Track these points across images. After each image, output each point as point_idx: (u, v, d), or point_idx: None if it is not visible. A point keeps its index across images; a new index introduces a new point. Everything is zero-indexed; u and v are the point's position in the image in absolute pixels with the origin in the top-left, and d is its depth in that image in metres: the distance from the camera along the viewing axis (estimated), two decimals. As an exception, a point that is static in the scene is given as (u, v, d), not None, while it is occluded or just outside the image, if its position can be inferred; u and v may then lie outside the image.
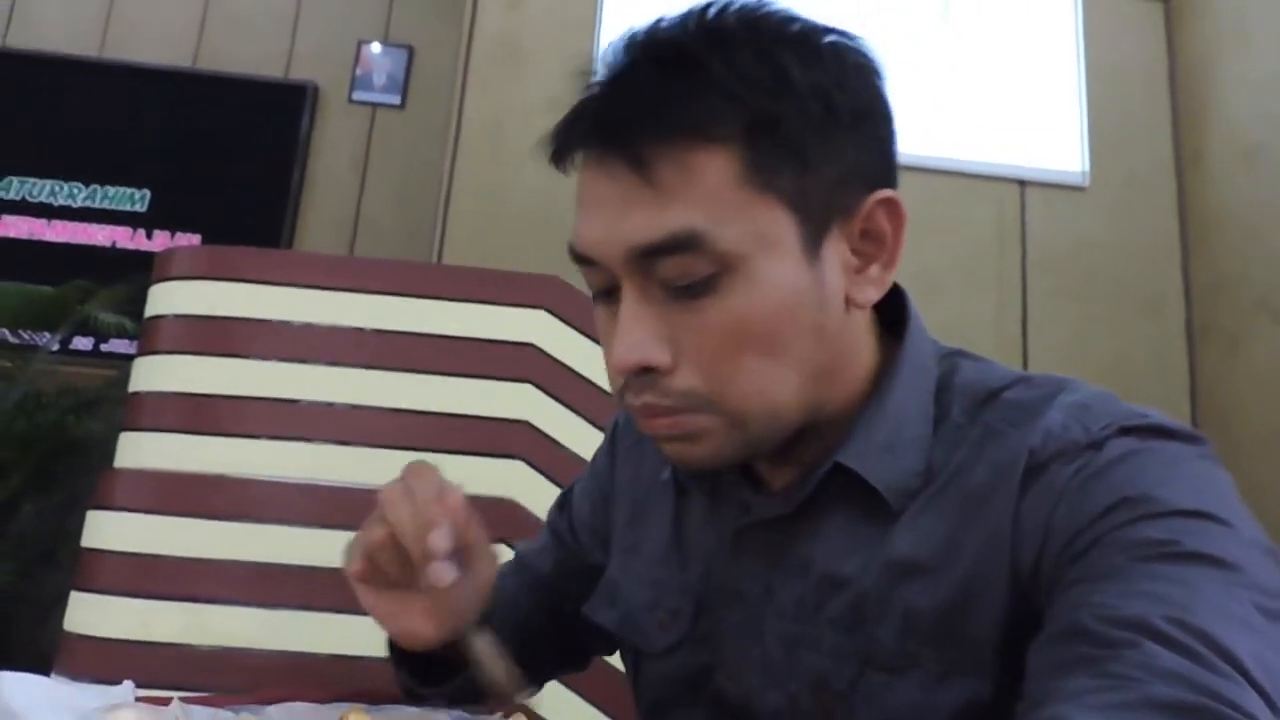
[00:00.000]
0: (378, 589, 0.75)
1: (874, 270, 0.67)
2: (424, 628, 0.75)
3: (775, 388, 0.64)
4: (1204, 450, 0.61)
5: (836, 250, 0.65)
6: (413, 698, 0.84)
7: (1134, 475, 0.58)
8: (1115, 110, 3.83)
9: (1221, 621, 0.48)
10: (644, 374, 0.63)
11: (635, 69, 0.63)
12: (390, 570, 0.74)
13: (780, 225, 0.62)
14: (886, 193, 0.66)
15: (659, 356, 0.63)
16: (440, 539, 0.69)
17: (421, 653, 0.79)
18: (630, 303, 0.63)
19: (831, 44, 0.65)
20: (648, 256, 0.61)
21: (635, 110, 0.61)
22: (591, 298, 0.69)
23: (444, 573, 0.69)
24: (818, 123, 0.62)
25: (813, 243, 0.63)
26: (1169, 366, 3.63)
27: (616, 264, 0.63)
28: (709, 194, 0.60)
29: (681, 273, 0.61)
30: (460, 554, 0.74)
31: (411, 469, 0.75)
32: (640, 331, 0.63)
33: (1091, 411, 0.63)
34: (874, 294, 0.67)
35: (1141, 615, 0.48)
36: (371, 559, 0.73)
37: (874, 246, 0.67)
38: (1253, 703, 0.43)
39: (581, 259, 0.66)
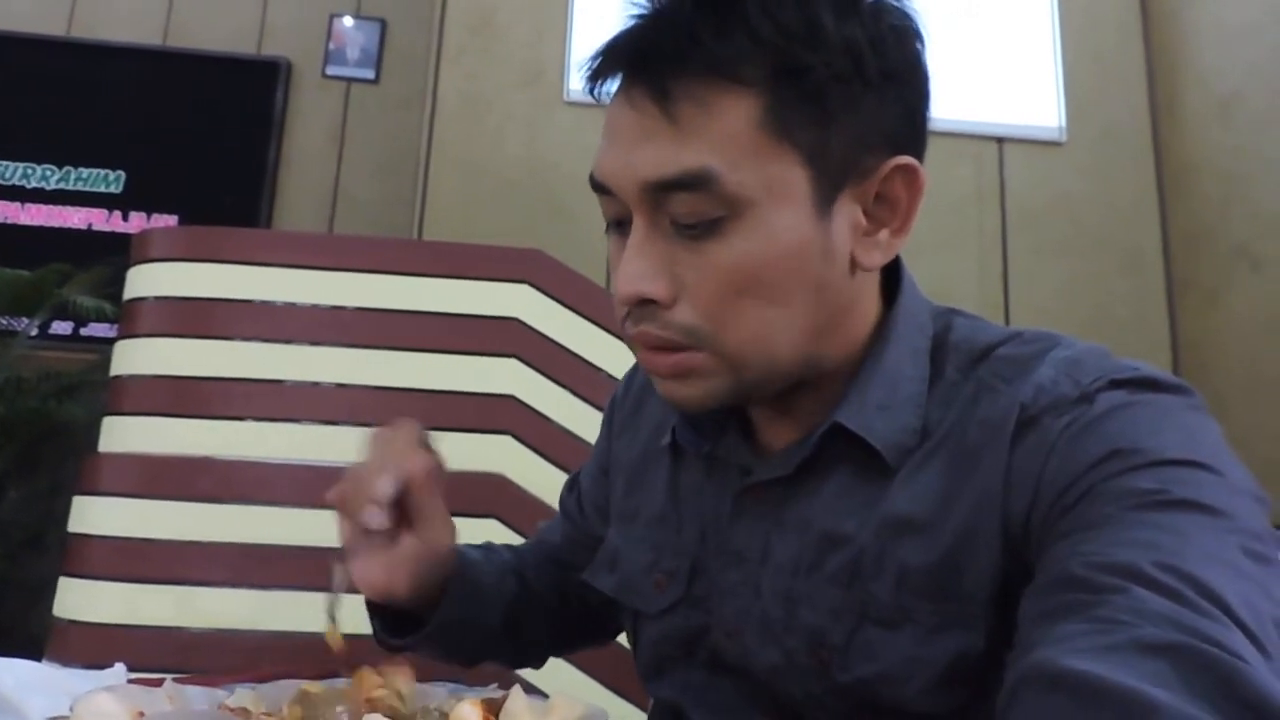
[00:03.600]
0: (351, 520, 0.78)
1: (883, 235, 0.67)
2: (378, 577, 0.78)
3: (771, 335, 0.64)
4: (1193, 401, 0.62)
5: (848, 210, 0.65)
6: (385, 647, 0.86)
7: (1125, 427, 0.58)
8: (1090, 64, 3.83)
9: (1210, 566, 0.48)
10: (644, 305, 0.65)
11: (675, 2, 0.63)
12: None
13: (793, 177, 0.62)
14: (906, 159, 0.66)
15: (658, 289, 0.64)
16: (385, 485, 0.74)
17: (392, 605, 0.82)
18: (638, 235, 0.64)
19: (873, 2, 0.65)
20: (660, 191, 0.62)
21: (665, 43, 0.62)
22: (605, 229, 0.70)
23: (372, 516, 0.73)
24: (844, 78, 0.62)
25: (825, 199, 0.63)
26: (1150, 320, 3.65)
27: (630, 195, 0.64)
28: (727, 136, 0.61)
29: (690, 211, 0.62)
30: (410, 513, 0.77)
31: (400, 421, 0.79)
32: (643, 263, 0.64)
33: (1082, 366, 0.63)
34: (880, 259, 0.68)
35: (1130, 562, 0.49)
36: (346, 490, 0.78)
37: (887, 212, 0.67)
38: (1239, 643, 0.44)
39: (599, 187, 0.67)
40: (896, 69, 0.64)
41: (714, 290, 0.63)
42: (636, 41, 0.64)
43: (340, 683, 0.76)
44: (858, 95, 0.62)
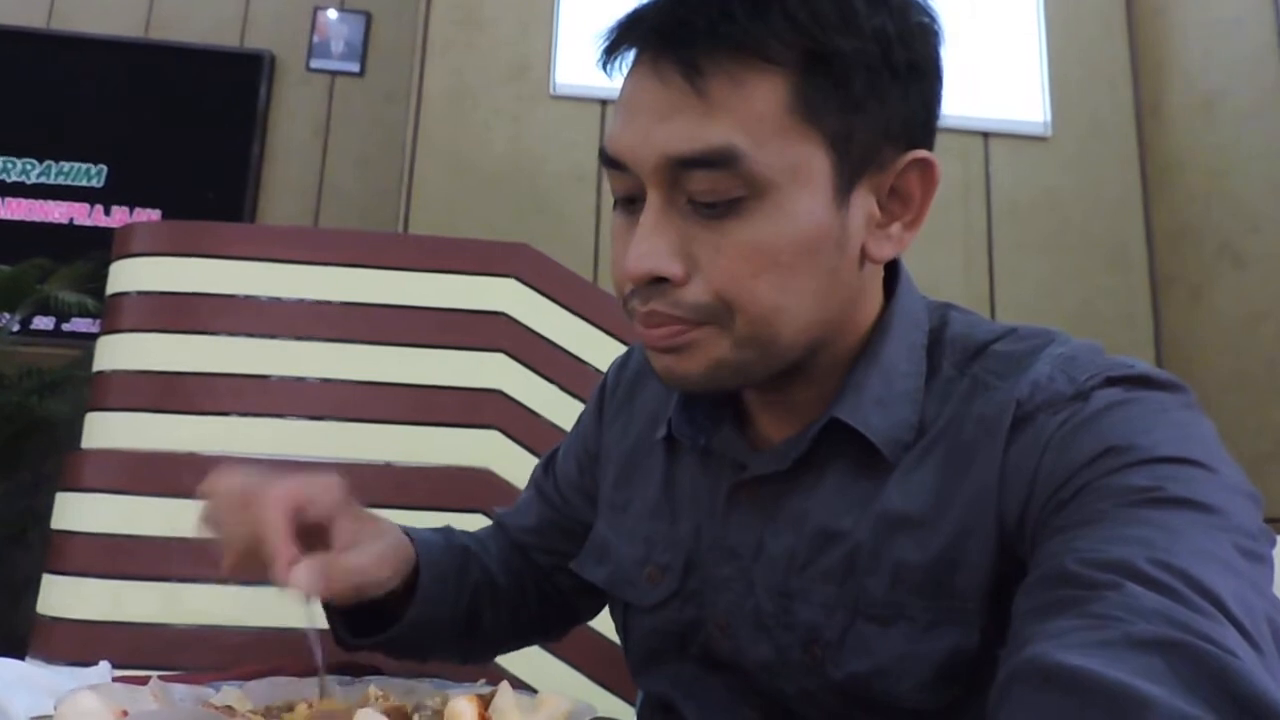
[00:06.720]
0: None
1: (895, 228, 0.68)
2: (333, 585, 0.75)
3: (779, 318, 0.64)
4: (1187, 399, 0.62)
5: (864, 200, 0.65)
6: (345, 647, 0.84)
7: (1119, 424, 0.58)
8: (1076, 60, 3.85)
9: (1203, 562, 0.48)
10: (654, 284, 0.64)
11: None
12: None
13: (816, 162, 0.62)
14: (923, 154, 0.66)
15: (672, 268, 0.63)
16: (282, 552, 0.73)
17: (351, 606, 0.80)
18: (653, 211, 0.63)
19: None
20: (681, 167, 0.61)
21: (698, 18, 0.61)
22: (613, 205, 0.69)
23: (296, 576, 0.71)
24: (873, 67, 0.62)
25: (844, 187, 0.64)
26: (1134, 315, 3.67)
27: (647, 170, 0.63)
28: (755, 115, 0.60)
29: (710, 189, 0.61)
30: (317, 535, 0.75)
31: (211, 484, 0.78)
32: (657, 241, 0.63)
33: (1077, 363, 0.64)
34: (890, 251, 0.68)
35: (1124, 558, 0.49)
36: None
37: (900, 205, 0.67)
38: (1232, 639, 0.44)
39: (611, 161, 0.66)
40: (919, 63, 0.65)
41: (729, 270, 0.62)
42: (667, 15, 0.63)
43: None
44: (884, 85, 0.63)
